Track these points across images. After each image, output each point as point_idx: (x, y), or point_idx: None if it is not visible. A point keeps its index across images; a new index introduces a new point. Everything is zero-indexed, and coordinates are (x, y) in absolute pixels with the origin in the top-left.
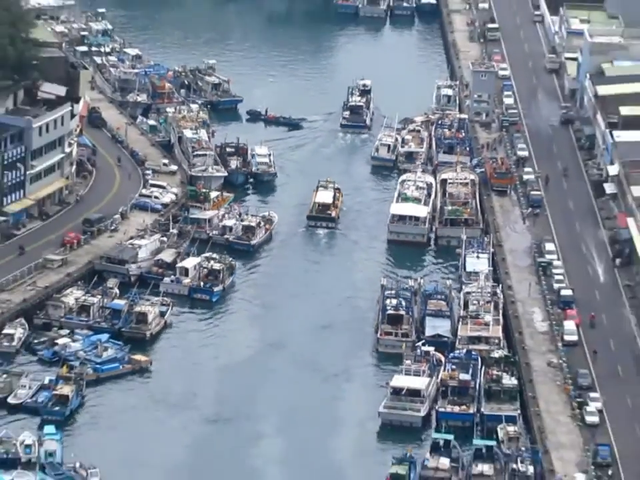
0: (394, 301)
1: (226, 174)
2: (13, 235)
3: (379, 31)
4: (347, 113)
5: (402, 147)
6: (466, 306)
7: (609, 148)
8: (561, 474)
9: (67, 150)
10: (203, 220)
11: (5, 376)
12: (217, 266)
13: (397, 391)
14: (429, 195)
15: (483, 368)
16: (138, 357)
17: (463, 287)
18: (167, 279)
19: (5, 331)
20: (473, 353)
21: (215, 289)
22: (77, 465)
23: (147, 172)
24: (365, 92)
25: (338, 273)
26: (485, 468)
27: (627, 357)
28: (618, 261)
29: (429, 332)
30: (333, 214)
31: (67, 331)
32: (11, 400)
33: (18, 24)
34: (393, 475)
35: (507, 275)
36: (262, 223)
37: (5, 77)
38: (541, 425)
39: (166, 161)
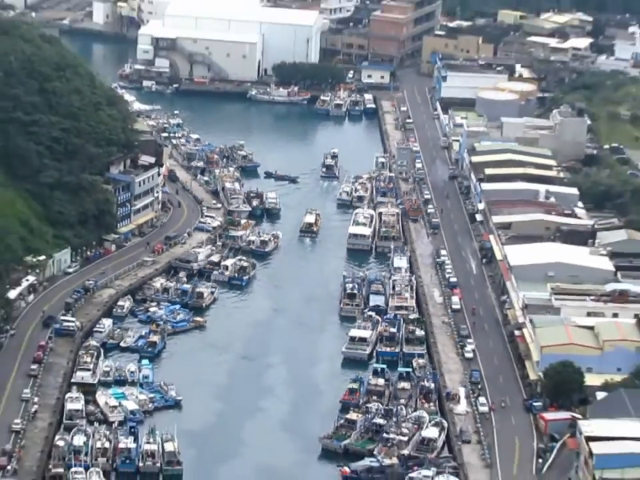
0: (351, 285)
1: (250, 209)
2: (123, 246)
3: (341, 123)
4: (324, 169)
5: (355, 192)
6: (394, 288)
7: (478, 193)
8: (450, 388)
9: (156, 195)
10: (236, 236)
11: (118, 330)
12: (245, 264)
13: (353, 339)
14: (371, 221)
15: (404, 325)
16: (198, 318)
17: (392, 276)
18: (215, 272)
19: (119, 303)
20: (398, 316)
21: (244, 278)
22: (162, 383)
23: (203, 208)
24: (334, 156)
25: (317, 266)
26: (405, 385)
27: (490, 318)
28: (484, 260)
29: (371, 303)
30: (315, 229)
31: (155, 303)
32: (122, 344)
33: (126, 120)
34: (350, 389)
35: (417, 269)
36: (272, 238)
37: (119, 151)
38: (438, 358)
39: (214, 201)
